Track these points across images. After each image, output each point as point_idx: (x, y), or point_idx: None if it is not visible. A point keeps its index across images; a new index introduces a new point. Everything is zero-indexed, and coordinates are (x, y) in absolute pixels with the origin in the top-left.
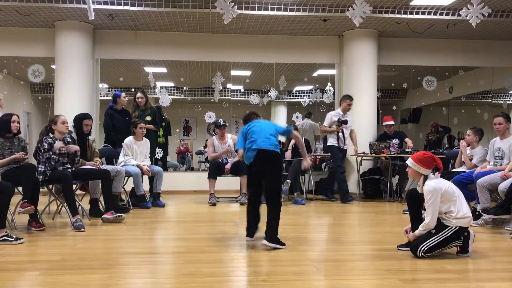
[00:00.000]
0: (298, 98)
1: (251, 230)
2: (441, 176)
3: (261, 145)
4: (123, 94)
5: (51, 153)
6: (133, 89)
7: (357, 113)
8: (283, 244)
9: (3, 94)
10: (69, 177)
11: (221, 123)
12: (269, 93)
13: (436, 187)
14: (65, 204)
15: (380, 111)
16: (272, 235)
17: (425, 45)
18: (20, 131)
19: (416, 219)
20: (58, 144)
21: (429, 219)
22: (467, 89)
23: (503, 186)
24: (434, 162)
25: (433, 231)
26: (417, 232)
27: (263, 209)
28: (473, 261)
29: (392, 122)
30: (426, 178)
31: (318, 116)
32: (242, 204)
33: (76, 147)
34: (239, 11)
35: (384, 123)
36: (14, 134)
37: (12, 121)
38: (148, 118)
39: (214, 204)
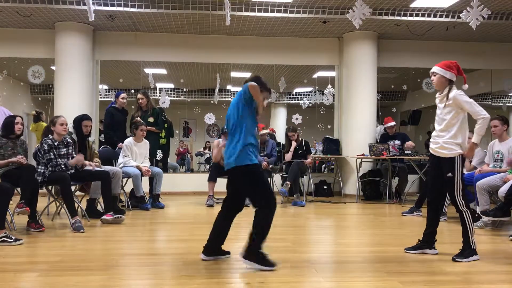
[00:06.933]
0: (297, 100)
1: None
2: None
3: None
4: (122, 95)
5: (52, 154)
6: (132, 90)
7: (356, 115)
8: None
9: (2, 95)
10: (67, 178)
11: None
12: None
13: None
14: (64, 205)
15: (380, 113)
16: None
17: (424, 47)
18: (23, 132)
19: (434, 221)
20: (73, 161)
21: (482, 113)
22: (466, 91)
23: (502, 191)
24: (459, 69)
25: (450, 174)
26: (475, 138)
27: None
28: (473, 264)
29: (393, 123)
30: (452, 87)
31: (318, 118)
32: (245, 206)
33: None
34: (240, 13)
35: (385, 125)
36: (17, 136)
37: (16, 122)
38: (151, 119)
39: (211, 206)
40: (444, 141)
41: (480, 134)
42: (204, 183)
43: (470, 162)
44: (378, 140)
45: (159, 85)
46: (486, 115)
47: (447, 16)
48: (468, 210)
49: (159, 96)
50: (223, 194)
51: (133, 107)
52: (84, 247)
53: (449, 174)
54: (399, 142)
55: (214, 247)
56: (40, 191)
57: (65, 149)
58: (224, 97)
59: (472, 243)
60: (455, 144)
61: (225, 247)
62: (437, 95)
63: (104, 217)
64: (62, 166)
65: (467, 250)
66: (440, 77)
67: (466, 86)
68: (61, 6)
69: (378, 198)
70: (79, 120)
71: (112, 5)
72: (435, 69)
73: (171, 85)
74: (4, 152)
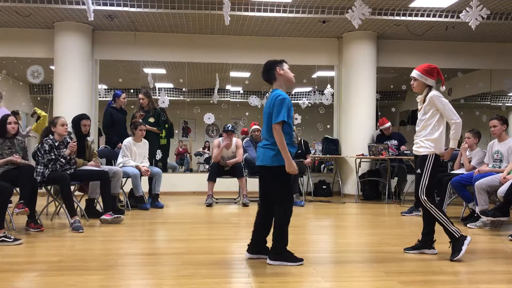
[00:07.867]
0: (297, 100)
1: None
2: (440, 177)
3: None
4: (123, 95)
5: (52, 155)
6: (132, 90)
7: (356, 115)
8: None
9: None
10: (66, 178)
11: (229, 128)
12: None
13: (440, 93)
14: (64, 205)
15: (379, 113)
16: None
17: (424, 47)
18: (19, 131)
19: (429, 220)
20: (68, 152)
21: (454, 117)
22: (466, 91)
23: (501, 191)
24: (438, 73)
25: (419, 171)
26: (452, 144)
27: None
28: (472, 264)
29: (388, 124)
30: (430, 90)
31: (317, 118)
32: (244, 205)
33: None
34: (239, 13)
35: (381, 127)
36: (14, 135)
37: (8, 122)
38: (151, 119)
39: (210, 205)
40: (420, 140)
41: (455, 139)
42: (203, 183)
43: (470, 162)
44: (374, 142)
45: (158, 85)
46: (458, 120)
47: (446, 16)
48: (433, 205)
49: (159, 96)
50: (223, 194)
51: (132, 106)
52: (83, 247)
53: (418, 171)
54: (396, 142)
55: (258, 246)
56: (39, 190)
57: (65, 149)
58: (223, 97)
59: (455, 233)
60: (431, 142)
61: (223, 246)
62: (417, 98)
63: (103, 217)
64: (62, 159)
65: (456, 243)
66: (420, 83)
67: (443, 88)
68: (60, 5)
69: (377, 198)
70: (78, 120)
71: (112, 4)
72: (415, 74)
73: (171, 85)
74: (2, 151)
